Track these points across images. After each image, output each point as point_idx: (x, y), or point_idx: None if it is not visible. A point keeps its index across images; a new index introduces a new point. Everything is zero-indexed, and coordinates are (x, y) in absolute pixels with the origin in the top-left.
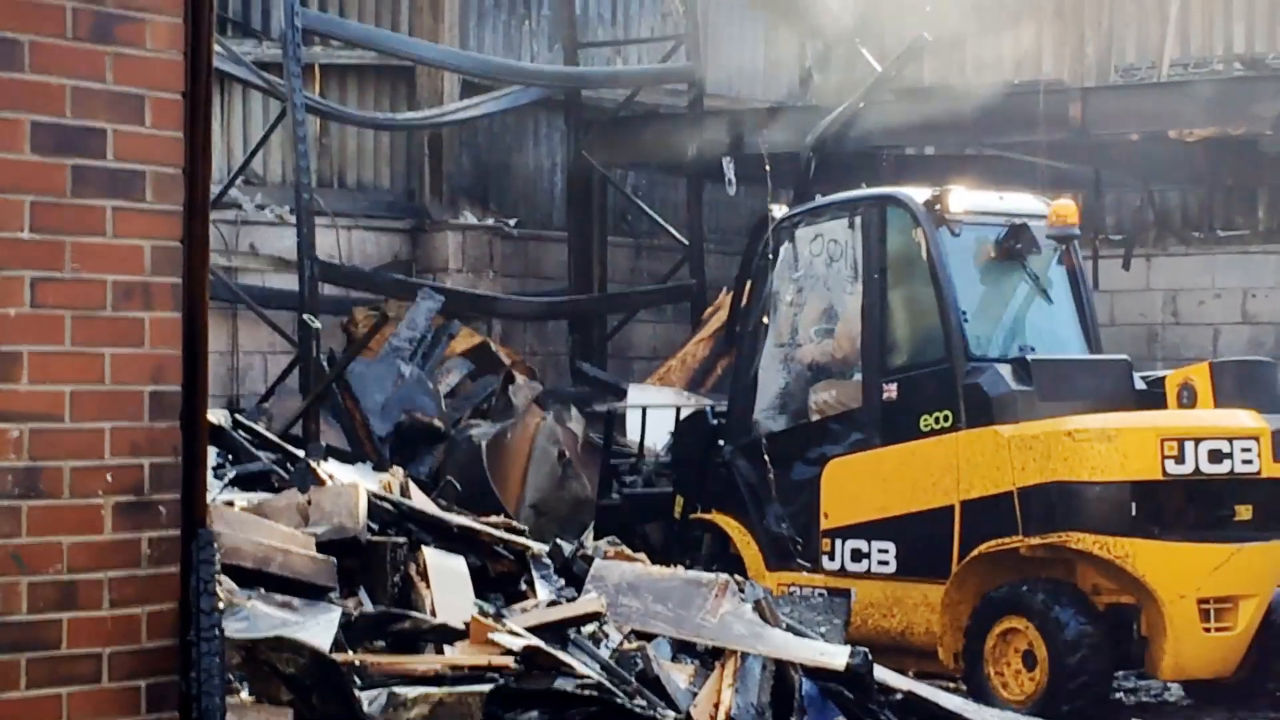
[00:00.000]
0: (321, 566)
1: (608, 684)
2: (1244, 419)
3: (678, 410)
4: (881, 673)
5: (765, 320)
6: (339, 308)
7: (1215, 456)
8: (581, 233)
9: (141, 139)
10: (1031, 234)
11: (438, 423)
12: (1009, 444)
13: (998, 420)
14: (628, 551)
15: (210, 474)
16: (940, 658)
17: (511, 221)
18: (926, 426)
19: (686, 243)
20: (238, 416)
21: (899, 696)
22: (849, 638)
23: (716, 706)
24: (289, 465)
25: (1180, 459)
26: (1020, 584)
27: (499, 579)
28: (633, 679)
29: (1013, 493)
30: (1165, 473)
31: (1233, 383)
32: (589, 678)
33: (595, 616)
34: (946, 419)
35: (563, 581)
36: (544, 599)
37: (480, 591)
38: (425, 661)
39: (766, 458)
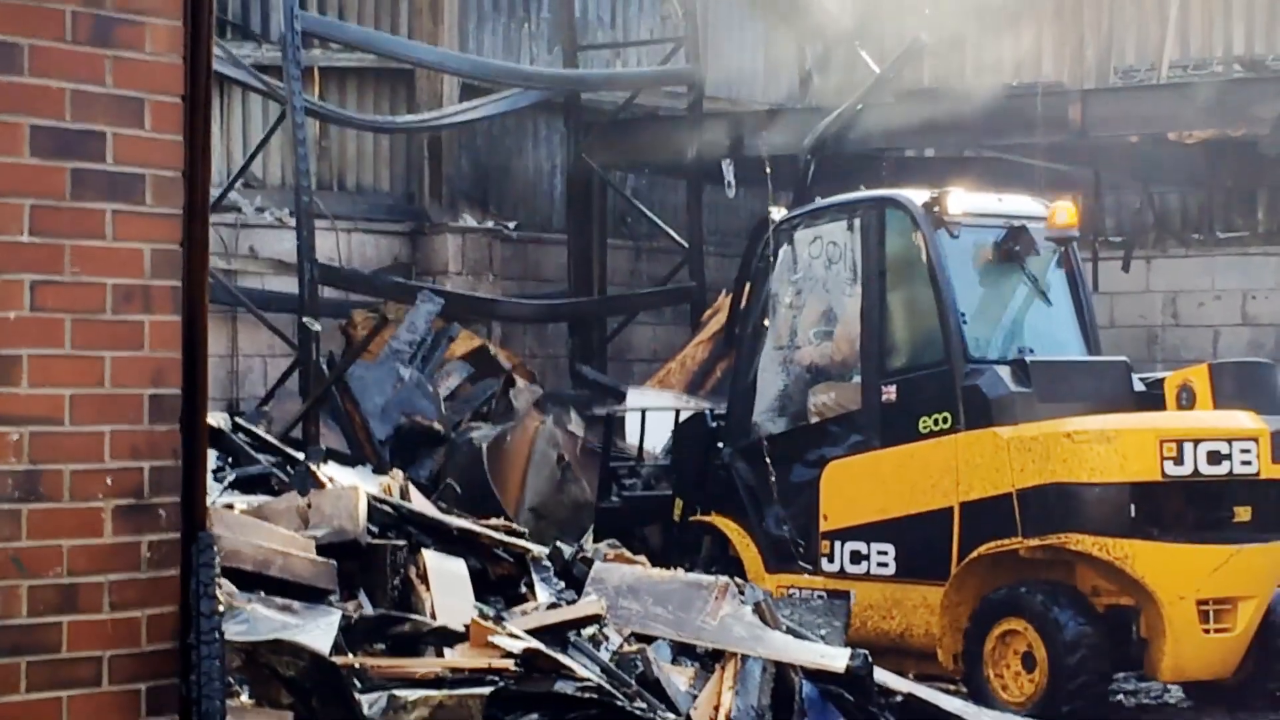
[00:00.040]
0: (321, 569)
1: (608, 687)
2: (1243, 420)
3: (677, 413)
4: (881, 675)
5: (765, 322)
6: (339, 310)
7: (1214, 458)
8: (581, 235)
9: (141, 142)
10: (1030, 236)
11: (437, 426)
12: (1008, 445)
13: (997, 422)
14: (628, 554)
15: (210, 477)
16: (939, 659)
17: (511, 224)
18: (926, 428)
19: (686, 245)
20: (237, 419)
21: (899, 699)
22: (849, 640)
23: (717, 709)
24: (289, 468)
25: (1179, 460)
26: (1019, 585)
27: (499, 582)
28: (633, 681)
29: (1012, 494)
30: (1164, 474)
31: (1232, 384)
32: (589, 680)
33: (595, 619)
34: (945, 421)
35: (563, 584)
36: (544, 602)
37: (480, 594)
38: (425, 664)
39: (766, 460)
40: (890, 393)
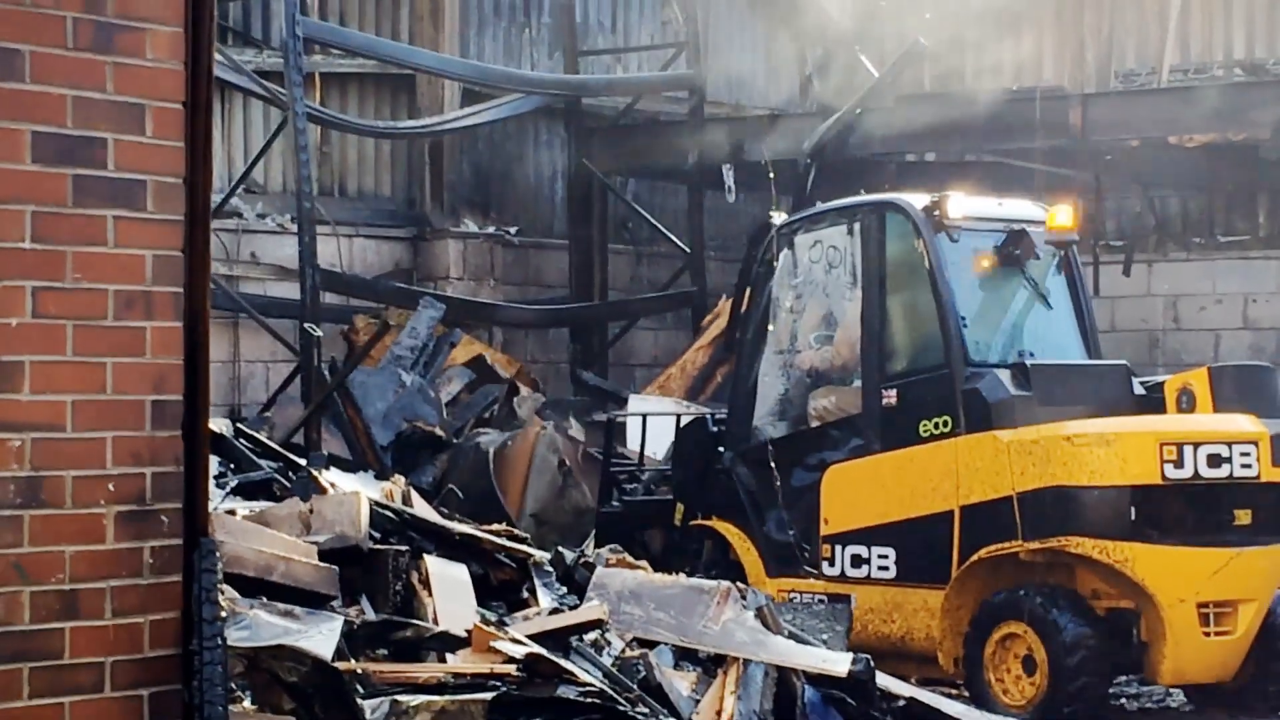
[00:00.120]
0: (323, 575)
1: (610, 692)
2: (1243, 423)
3: (678, 418)
4: (883, 679)
5: (765, 327)
6: (340, 316)
7: (1214, 461)
8: (582, 240)
9: (142, 148)
10: (1030, 240)
11: (439, 431)
12: (1008, 449)
13: (997, 425)
14: (630, 559)
15: (212, 483)
16: (940, 663)
17: (512, 229)
18: (926, 432)
19: (687, 250)
20: (239, 425)
21: (901, 703)
22: (850, 644)
23: (719, 714)
24: (291, 474)
25: (1179, 463)
26: (1019, 589)
27: (501, 587)
28: (635, 687)
29: (1012, 498)
30: (1164, 477)
31: (1231, 388)
32: (591, 685)
33: (597, 624)
34: (946, 424)
35: (565, 589)
36: (546, 607)
37: (482, 599)
38: (427, 669)
39: (766, 464)
40: (891, 397)
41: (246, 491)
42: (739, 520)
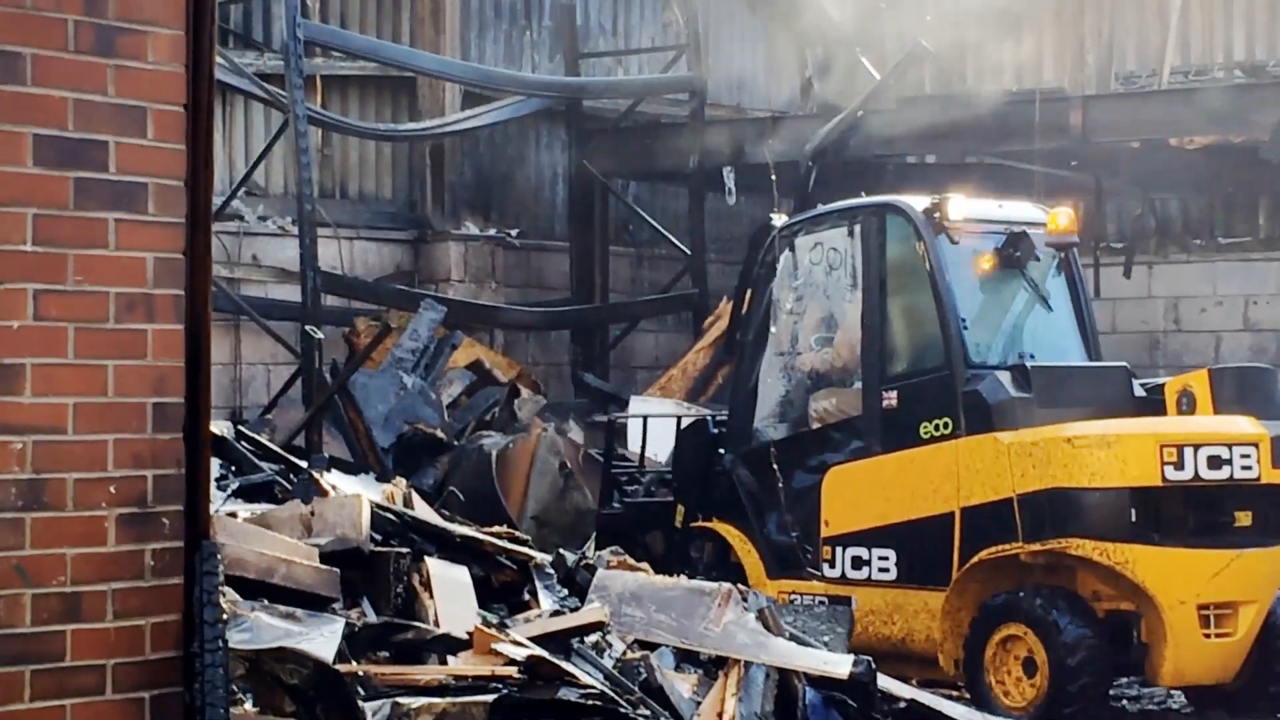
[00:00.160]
0: (325, 577)
1: (611, 694)
2: (1243, 425)
3: (678, 419)
4: (884, 681)
5: (766, 329)
6: (341, 318)
7: (1214, 463)
8: (583, 242)
9: (143, 151)
10: (1031, 242)
11: (440, 434)
12: (1009, 451)
13: (997, 427)
14: (631, 561)
15: (213, 485)
16: (941, 665)
17: (513, 232)
18: (926, 434)
19: (688, 252)
20: (241, 428)
21: (902, 705)
22: (851, 646)
23: (720, 716)
24: (292, 476)
25: (1180, 465)
26: (1020, 591)
27: (502, 589)
28: (636, 689)
29: (1013, 499)
30: (1165, 479)
31: (1232, 389)
32: (593, 688)
33: (599, 626)
34: (946, 426)
35: (566, 591)
36: (547, 609)
37: (483, 602)
38: (429, 672)
39: (767, 466)
40: (891, 398)
41: (248, 494)
42: (740, 522)
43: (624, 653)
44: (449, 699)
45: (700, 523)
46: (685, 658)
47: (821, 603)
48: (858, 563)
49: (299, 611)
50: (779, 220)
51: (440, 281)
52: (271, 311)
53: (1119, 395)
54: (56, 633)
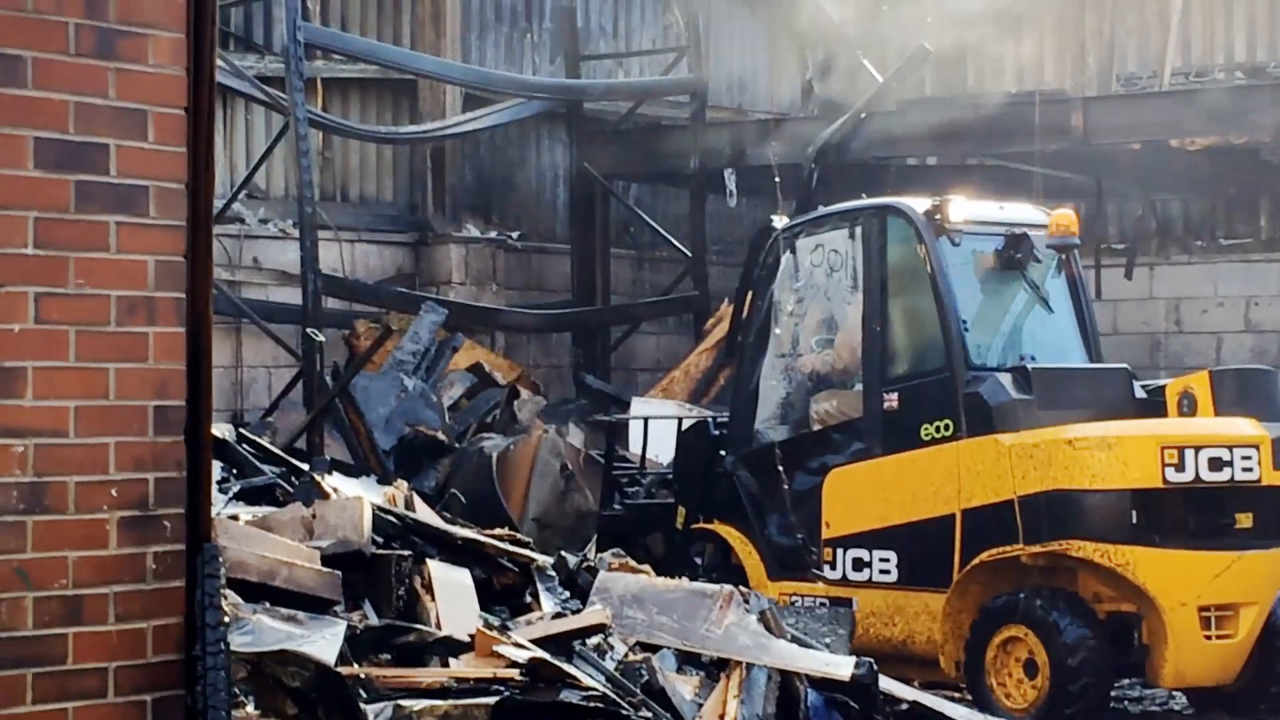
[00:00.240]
0: (326, 580)
1: (613, 696)
2: (1244, 427)
3: (679, 421)
4: (886, 683)
5: (767, 331)
6: (342, 321)
7: (1215, 464)
8: (584, 245)
9: (144, 154)
10: (1031, 243)
11: (442, 436)
12: (1009, 452)
13: (998, 429)
14: (632, 563)
15: (215, 488)
16: (942, 667)
17: (514, 234)
18: (927, 435)
19: (689, 254)
20: (242, 430)
21: (904, 706)
22: (852, 648)
23: (722, 718)
24: (293, 479)
25: (1180, 467)
26: (1021, 592)
27: (504, 591)
28: (638, 691)
29: (1013, 501)
30: (1165, 481)
31: (1232, 391)
32: (594, 690)
33: (600, 628)
34: (947, 428)
35: (567, 593)
36: (549, 611)
37: (485, 604)
38: (431, 674)
39: (768, 468)
40: (892, 400)
41: (249, 497)
42: (740, 524)
43: (626, 655)
44: (451, 701)
45: (701, 524)
46: (687, 660)
47: (823, 604)
48: (859, 564)
49: (301, 614)
50: (780, 222)
51: (441, 284)
52: (273, 314)
53: (1120, 397)
54: (58, 636)
